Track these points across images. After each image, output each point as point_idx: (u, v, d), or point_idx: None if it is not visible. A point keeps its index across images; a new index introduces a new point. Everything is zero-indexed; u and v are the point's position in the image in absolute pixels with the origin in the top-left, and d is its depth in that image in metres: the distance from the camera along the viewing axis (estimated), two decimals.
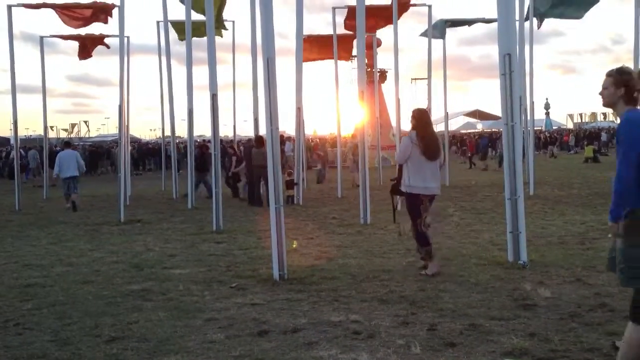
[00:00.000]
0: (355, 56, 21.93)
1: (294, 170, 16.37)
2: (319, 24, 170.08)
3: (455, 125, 59.09)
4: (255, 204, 15.57)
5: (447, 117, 22.78)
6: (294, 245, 7.36)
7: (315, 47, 21.85)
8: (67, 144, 18.87)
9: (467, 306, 5.87)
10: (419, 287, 6.64)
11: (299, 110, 16.24)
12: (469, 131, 60.60)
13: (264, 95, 7.67)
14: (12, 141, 23.10)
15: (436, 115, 29.79)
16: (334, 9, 19.59)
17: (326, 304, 6.10)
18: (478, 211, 13.27)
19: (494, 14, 8.57)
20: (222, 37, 19.73)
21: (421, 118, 7.51)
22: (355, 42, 17.02)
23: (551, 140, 46.40)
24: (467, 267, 7.61)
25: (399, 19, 16.64)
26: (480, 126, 65.05)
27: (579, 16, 17.40)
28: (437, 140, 7.61)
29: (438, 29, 20.25)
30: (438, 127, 34.07)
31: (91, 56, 20.94)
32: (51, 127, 57.95)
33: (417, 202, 7.34)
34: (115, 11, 16.26)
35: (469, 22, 21.45)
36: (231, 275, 7.55)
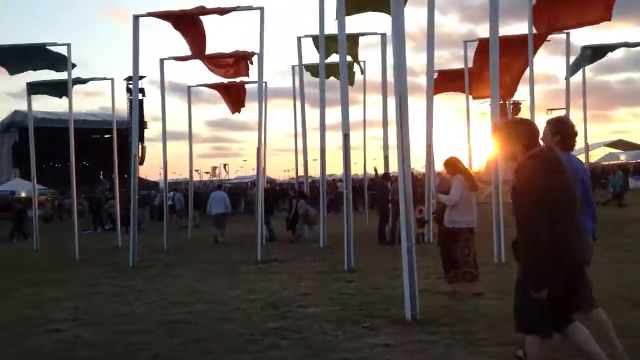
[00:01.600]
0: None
1: (424, 207, 16.21)
2: (447, 59, 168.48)
3: (596, 156, 55.83)
4: (386, 242, 15.65)
5: (587, 148, 21.68)
6: None
7: (447, 82, 21.63)
8: (219, 186, 20.39)
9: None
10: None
11: (429, 147, 16.14)
12: (611, 162, 57.04)
13: (395, 133, 7.71)
14: (161, 184, 24.71)
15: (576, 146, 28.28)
16: (465, 42, 19.41)
17: (461, 347, 5.97)
18: (624, 249, 12.45)
19: (636, 37, 8.13)
20: (362, 73, 19.93)
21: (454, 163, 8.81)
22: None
23: None
24: (613, 309, 7.15)
25: (534, 53, 16.09)
26: (623, 157, 61.06)
27: None
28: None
29: (578, 62, 19.18)
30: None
31: (242, 107, 21.67)
32: (196, 171, 61.27)
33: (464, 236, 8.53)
34: (254, 58, 17.08)
35: (611, 48, 20.36)
36: (363, 314, 7.58)
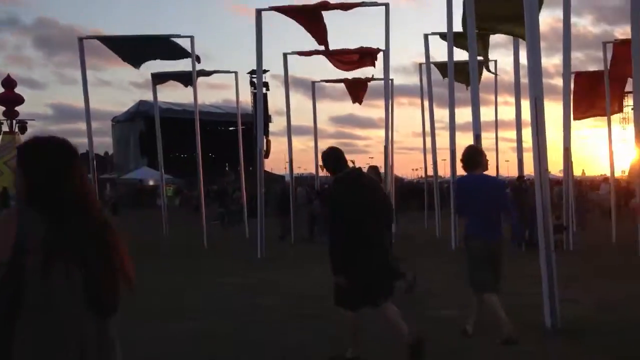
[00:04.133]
0: (628, 92, 20.32)
1: (561, 213, 15.53)
2: (584, 61, 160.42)
3: None
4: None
5: None
6: None
7: (584, 90, 20.40)
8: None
9: None
10: None
11: (567, 150, 15.44)
12: None
13: (530, 135, 7.48)
14: (287, 178, 25.18)
15: None
16: (604, 43, 18.36)
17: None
18: None
19: None
20: (493, 74, 19.43)
21: None
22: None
23: None
24: None
25: None
26: None
27: None
28: None
29: None
30: None
31: (362, 101, 21.90)
32: (321, 167, 61.91)
33: None
34: (380, 55, 17.05)
35: None
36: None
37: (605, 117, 18.91)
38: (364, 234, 5.36)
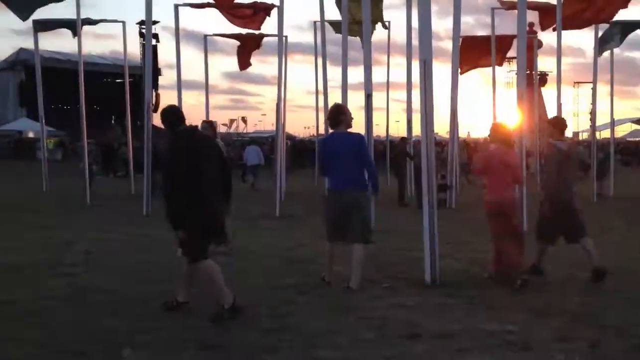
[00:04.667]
0: (512, 58, 21.24)
1: (447, 172, 16.13)
2: (474, 26, 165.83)
3: (621, 132, 55.22)
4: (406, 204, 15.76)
5: (613, 123, 21.37)
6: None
7: (470, 51, 21.21)
8: (253, 141, 20.71)
9: (635, 325, 5.48)
10: (581, 301, 6.30)
11: (453, 112, 15.96)
12: (637, 139, 56.57)
13: (419, 97, 7.61)
14: None
15: (601, 121, 27.94)
16: (492, 9, 18.99)
17: (479, 312, 5.96)
18: None
19: None
20: (385, 27, 19.64)
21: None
22: (514, 43, 16.41)
23: None
24: (635, 283, 7.12)
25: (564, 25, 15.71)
26: None
27: None
28: None
29: (614, 37, 18.71)
30: (603, 135, 31.94)
31: (250, 65, 21.59)
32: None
33: None
34: (274, 11, 16.76)
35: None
36: (383, 275, 7.55)
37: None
38: (198, 188, 5.54)
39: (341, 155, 6.79)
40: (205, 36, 22.10)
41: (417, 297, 6.51)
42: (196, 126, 6.09)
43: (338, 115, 6.96)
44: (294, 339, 5.13)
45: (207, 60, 22.09)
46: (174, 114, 5.91)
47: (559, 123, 7.90)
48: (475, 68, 21.23)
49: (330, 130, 7.14)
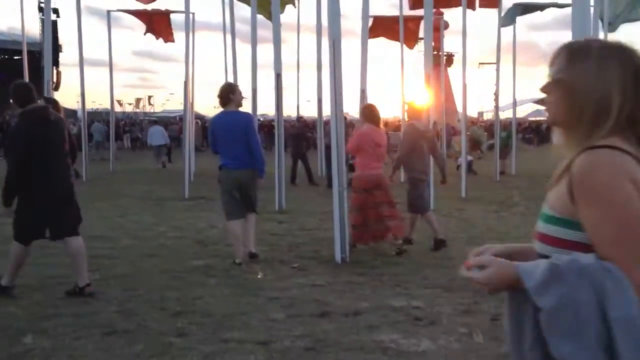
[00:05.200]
0: (421, 39, 21.62)
1: None
2: (385, 5, 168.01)
3: (523, 112, 57.61)
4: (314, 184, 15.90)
5: (515, 103, 22.21)
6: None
7: (381, 28, 21.52)
8: (155, 122, 20.14)
9: None
10: None
11: (363, 92, 16.10)
12: (538, 118, 59.17)
13: (328, 77, 7.63)
14: (79, 114, 23.66)
15: (504, 101, 28.96)
16: None
17: (388, 289, 6.08)
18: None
19: None
20: (294, 6, 19.54)
21: None
22: (422, 24, 16.76)
23: None
24: None
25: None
26: None
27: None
28: None
29: (509, 15, 19.60)
30: (505, 114, 33.17)
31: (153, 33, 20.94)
32: (118, 102, 58.59)
33: None
34: None
35: (541, 8, 20.72)
36: (293, 255, 7.59)
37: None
38: (43, 166, 5.56)
39: (231, 134, 7.02)
40: (109, 12, 21.49)
41: (327, 276, 6.57)
42: (46, 106, 5.91)
43: (228, 94, 7.13)
44: (203, 321, 5.08)
45: (111, 37, 21.45)
46: (21, 92, 5.78)
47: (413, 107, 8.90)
48: (385, 38, 21.47)
49: (221, 109, 7.31)
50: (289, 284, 6.23)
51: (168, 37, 20.50)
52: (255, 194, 7.34)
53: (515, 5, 19.82)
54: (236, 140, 7.01)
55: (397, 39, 20.12)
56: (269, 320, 5.09)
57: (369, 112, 8.01)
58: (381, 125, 8.28)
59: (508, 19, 19.64)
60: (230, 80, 20.82)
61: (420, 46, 27.27)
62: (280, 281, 6.36)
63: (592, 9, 13.57)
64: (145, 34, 20.66)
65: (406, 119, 8.29)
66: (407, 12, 19.74)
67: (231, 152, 7.04)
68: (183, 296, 5.79)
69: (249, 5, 17.34)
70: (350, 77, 17.49)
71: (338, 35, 7.54)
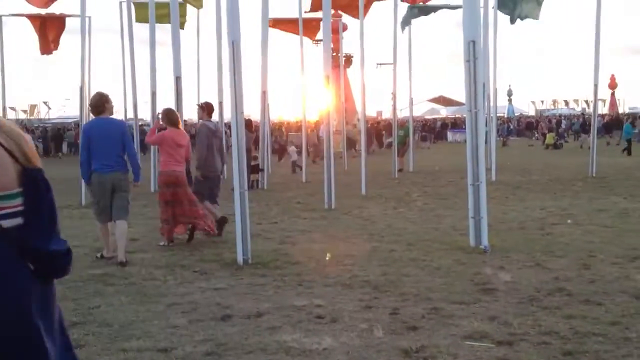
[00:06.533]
0: (320, 40, 21.88)
1: (258, 154, 16.32)
2: (286, 6, 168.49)
3: (419, 111, 59.38)
4: None
5: (411, 102, 22.90)
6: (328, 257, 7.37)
7: (281, 25, 21.64)
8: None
9: (429, 290, 5.94)
10: (382, 272, 6.69)
11: (264, 94, 16.14)
12: (434, 117, 61.13)
13: (229, 79, 7.60)
14: None
15: (401, 101, 29.75)
16: None
17: (290, 289, 6.12)
18: (441, 196, 13.42)
19: (459, 1, 8.65)
20: (200, 7, 19.46)
21: None
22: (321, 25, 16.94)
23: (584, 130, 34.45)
24: (430, 252, 7.70)
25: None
26: (444, 112, 65.52)
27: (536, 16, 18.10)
28: None
29: (405, 18, 20.21)
30: (403, 113, 34.15)
31: (54, 49, 20.23)
32: (11, 108, 55.81)
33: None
34: None
35: (434, 9, 21.49)
36: (194, 259, 7.50)
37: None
38: None
39: (106, 140, 7.37)
40: (0, 16, 20.42)
41: (229, 278, 6.55)
42: None
43: (103, 103, 7.47)
44: (101, 331, 4.94)
45: (3, 42, 20.40)
46: None
47: (208, 107, 9.63)
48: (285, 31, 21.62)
49: (92, 116, 7.72)
50: (190, 289, 6.16)
51: (55, 44, 19.87)
52: (127, 199, 7.63)
53: (410, 8, 20.52)
54: (111, 146, 7.37)
55: (297, 32, 20.30)
56: (170, 327, 5.02)
57: (168, 116, 8.58)
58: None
59: (405, 21, 20.27)
60: (129, 83, 20.41)
61: (320, 47, 27.58)
62: (182, 286, 6.27)
63: (482, 10, 14.34)
64: (42, 54, 19.88)
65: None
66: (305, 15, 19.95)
67: (105, 157, 7.35)
68: (79, 306, 5.61)
69: (140, 20, 17.09)
70: (252, 79, 17.49)
71: (238, 37, 7.53)
